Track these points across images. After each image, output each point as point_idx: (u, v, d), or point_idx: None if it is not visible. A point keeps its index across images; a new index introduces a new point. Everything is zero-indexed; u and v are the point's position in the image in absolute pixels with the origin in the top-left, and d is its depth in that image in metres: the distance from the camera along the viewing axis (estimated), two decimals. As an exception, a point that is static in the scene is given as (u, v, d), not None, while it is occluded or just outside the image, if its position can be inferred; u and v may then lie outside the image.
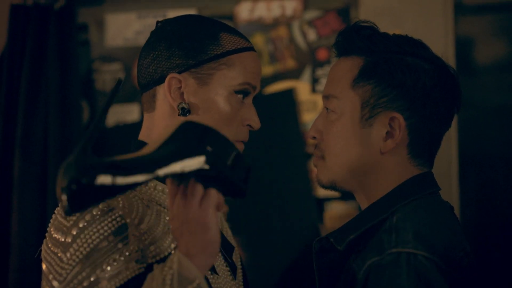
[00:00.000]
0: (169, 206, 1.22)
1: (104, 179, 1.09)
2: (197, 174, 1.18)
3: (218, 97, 1.37)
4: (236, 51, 1.39)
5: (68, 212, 1.10)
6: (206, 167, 1.17)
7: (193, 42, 1.37)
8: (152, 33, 1.43)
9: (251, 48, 1.43)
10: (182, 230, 1.20)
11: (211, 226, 1.19)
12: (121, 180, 1.10)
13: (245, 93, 1.40)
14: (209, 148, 1.17)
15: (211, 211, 1.19)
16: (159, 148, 1.17)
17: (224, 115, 1.38)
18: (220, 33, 1.39)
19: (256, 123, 1.42)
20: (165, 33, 1.40)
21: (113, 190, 1.11)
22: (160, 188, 1.37)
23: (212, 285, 1.36)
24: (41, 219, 2.78)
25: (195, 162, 1.16)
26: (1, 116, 2.85)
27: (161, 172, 1.14)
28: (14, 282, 2.74)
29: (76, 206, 1.10)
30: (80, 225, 1.25)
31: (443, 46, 2.70)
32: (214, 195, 1.20)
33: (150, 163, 1.14)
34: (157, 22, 1.44)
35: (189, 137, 1.18)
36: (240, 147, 1.42)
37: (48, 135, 2.83)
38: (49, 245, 1.29)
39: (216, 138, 1.19)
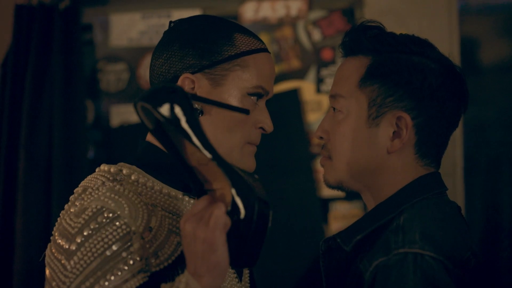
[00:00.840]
0: (181, 225, 1.19)
1: (179, 111, 1.20)
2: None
3: (231, 98, 1.36)
4: (250, 52, 1.37)
5: (139, 99, 1.22)
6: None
7: (207, 43, 1.36)
8: (165, 33, 1.42)
9: (265, 50, 1.41)
10: (191, 249, 1.18)
11: (218, 248, 1.16)
12: (185, 125, 1.20)
13: (258, 95, 1.39)
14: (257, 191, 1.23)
15: (219, 232, 1.16)
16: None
17: (237, 116, 1.36)
18: (234, 34, 1.38)
19: (269, 127, 1.41)
20: (178, 33, 1.38)
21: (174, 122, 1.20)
22: (165, 191, 1.36)
23: (217, 291, 1.35)
24: (45, 220, 2.77)
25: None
26: (5, 116, 2.85)
27: (214, 157, 1.20)
28: (18, 284, 2.73)
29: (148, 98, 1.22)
30: (85, 233, 1.24)
31: (447, 47, 2.70)
32: (222, 215, 1.16)
33: (213, 148, 1.21)
34: (170, 22, 1.43)
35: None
36: (252, 149, 1.41)
37: (52, 135, 2.83)
38: (53, 251, 1.27)
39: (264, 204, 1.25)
